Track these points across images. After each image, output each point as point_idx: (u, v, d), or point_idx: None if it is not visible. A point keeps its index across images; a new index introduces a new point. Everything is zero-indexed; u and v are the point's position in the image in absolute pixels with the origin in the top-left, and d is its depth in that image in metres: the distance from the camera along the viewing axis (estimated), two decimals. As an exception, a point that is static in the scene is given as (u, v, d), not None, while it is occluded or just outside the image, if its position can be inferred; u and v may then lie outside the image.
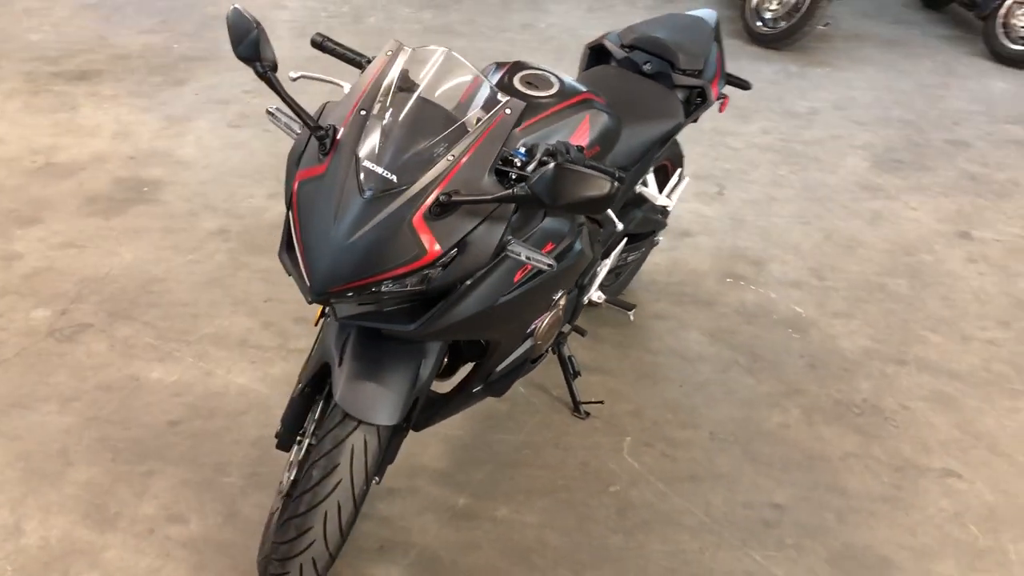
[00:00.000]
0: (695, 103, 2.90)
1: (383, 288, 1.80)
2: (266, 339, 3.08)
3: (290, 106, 1.85)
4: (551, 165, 1.66)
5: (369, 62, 2.04)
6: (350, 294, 1.79)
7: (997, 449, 2.82)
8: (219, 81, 5.16)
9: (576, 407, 2.82)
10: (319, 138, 1.85)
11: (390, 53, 1.94)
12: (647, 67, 2.88)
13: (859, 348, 3.25)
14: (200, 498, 2.44)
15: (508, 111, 1.85)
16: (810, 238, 3.96)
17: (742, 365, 3.12)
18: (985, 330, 3.40)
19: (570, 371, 2.78)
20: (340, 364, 1.91)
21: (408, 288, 1.82)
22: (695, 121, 2.97)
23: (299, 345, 3.05)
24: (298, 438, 2.13)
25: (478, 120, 1.87)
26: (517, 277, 1.96)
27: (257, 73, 1.86)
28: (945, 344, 3.30)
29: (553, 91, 2.23)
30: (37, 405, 2.73)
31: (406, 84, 1.94)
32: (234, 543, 2.32)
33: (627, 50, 2.93)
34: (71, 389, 2.80)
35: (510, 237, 1.83)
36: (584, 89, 2.30)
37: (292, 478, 2.04)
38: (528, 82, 2.24)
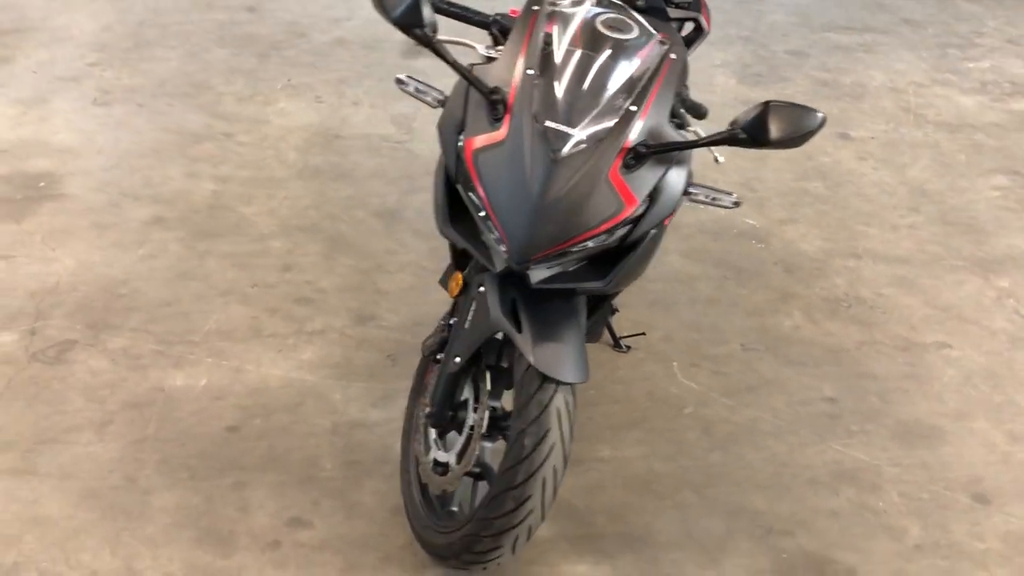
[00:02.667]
0: (691, 36, 3.00)
1: (584, 247, 1.79)
2: (279, 325, 2.90)
3: (462, 73, 1.77)
4: (761, 104, 1.71)
5: (496, 21, 1.98)
6: (550, 258, 1.77)
7: (965, 318, 3.23)
8: (52, 55, 4.59)
9: (616, 343, 2.90)
10: (493, 103, 1.78)
11: (536, 9, 1.89)
12: (640, 1, 2.93)
13: (818, 249, 3.56)
14: (308, 498, 2.31)
15: (674, 56, 1.87)
16: (724, 153, 4.22)
17: (731, 279, 3.33)
18: (904, 217, 3.83)
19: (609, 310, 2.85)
20: (520, 331, 1.88)
21: (604, 244, 1.82)
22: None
23: (315, 326, 2.91)
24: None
25: (647, 68, 1.87)
26: (666, 222, 1.99)
27: (418, 39, 1.76)
28: (881, 235, 3.69)
29: (635, 34, 2.23)
30: (69, 437, 2.43)
31: (564, 40, 1.90)
32: (371, 534, 2.23)
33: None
34: (96, 413, 2.51)
35: (692, 181, 1.87)
36: (656, 32, 2.33)
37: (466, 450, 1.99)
38: (610, 26, 2.24)
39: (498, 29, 2.09)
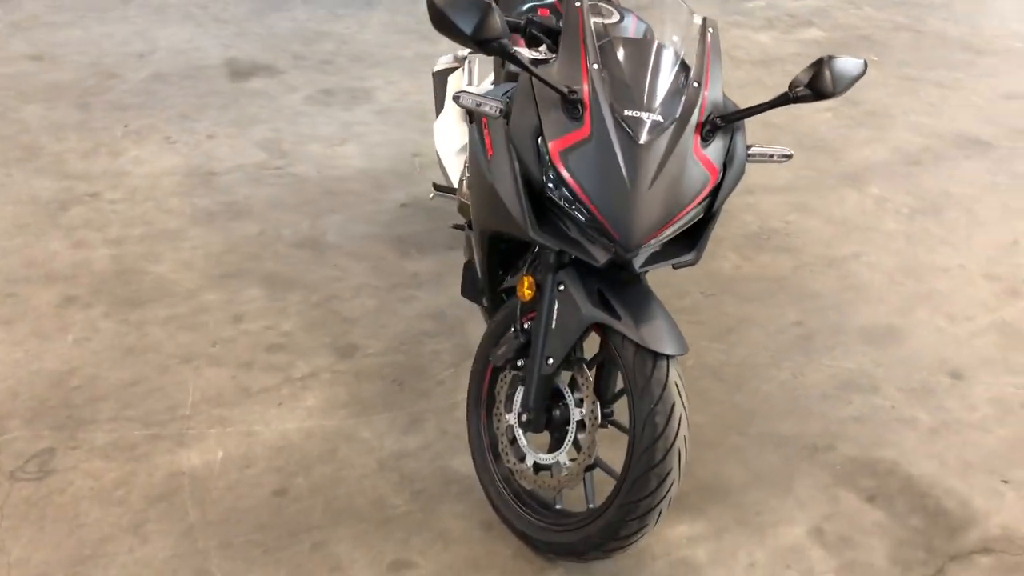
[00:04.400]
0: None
1: (681, 224, 1.87)
2: (264, 379, 2.75)
3: (539, 77, 1.78)
4: (817, 60, 1.86)
5: (532, 22, 1.99)
6: (655, 241, 1.84)
7: (862, 226, 3.62)
8: None
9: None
10: (572, 102, 1.81)
11: (579, 5, 1.92)
12: None
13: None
14: (396, 538, 2.24)
15: (711, 29, 1.97)
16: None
17: (659, 235, 3.52)
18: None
19: None
20: (619, 318, 1.93)
21: (694, 218, 1.90)
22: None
23: (302, 371, 2.78)
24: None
25: (695, 43, 1.95)
26: None
27: (497, 51, 1.75)
28: (759, 168, 4.01)
29: (676, 12, 2.23)
30: (107, 549, 2.20)
31: (612, 31, 1.95)
32: (477, 554, 2.20)
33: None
34: (123, 517, 2.28)
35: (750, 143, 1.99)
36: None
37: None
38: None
39: (537, 29, 2.09)
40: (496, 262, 2.31)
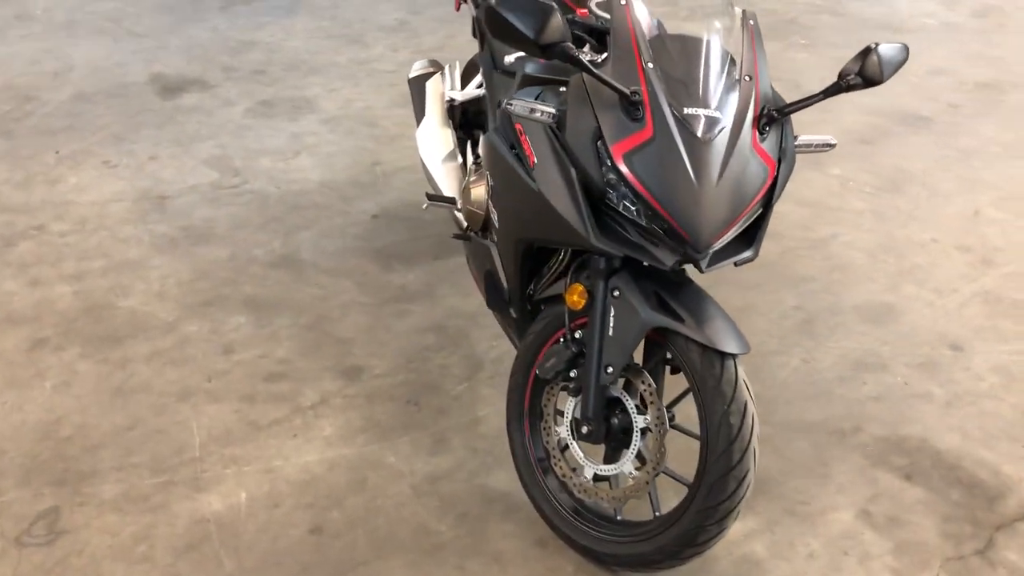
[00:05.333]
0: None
1: (746, 220, 1.84)
2: (272, 411, 2.61)
3: (604, 81, 1.72)
4: (865, 49, 1.85)
5: (573, 21, 1.92)
6: (722, 240, 1.81)
7: (833, 207, 3.68)
8: None
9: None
10: (633, 103, 1.76)
11: (624, 3, 1.86)
12: None
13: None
14: (450, 565, 2.14)
15: (752, 21, 1.94)
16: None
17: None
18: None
19: None
20: (682, 320, 1.89)
21: (756, 213, 1.88)
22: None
23: (310, 399, 2.65)
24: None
25: (739, 37, 1.92)
26: None
27: (563, 56, 1.68)
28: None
29: (717, 6, 2.17)
30: (144, 611, 2.05)
31: (658, 29, 1.90)
32: (536, 572, 2.13)
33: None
34: (152, 572, 2.13)
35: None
36: None
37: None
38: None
39: (580, 30, 2.02)
40: (527, 271, 2.24)
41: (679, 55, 1.85)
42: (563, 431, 2.11)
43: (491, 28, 1.73)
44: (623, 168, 1.76)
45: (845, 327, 2.98)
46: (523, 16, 1.67)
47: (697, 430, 1.94)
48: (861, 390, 2.70)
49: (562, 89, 2.09)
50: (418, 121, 3.09)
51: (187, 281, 3.17)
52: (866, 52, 1.85)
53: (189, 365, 2.77)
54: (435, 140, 3.00)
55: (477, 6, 2.93)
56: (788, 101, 1.92)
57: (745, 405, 1.88)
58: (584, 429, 2.02)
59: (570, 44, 1.71)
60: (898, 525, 2.25)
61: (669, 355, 2.01)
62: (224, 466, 2.41)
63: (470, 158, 2.91)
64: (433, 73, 3.12)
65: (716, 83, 1.83)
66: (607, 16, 2.04)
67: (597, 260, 1.97)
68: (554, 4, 1.68)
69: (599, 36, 1.91)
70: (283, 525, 2.24)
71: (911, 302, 3.10)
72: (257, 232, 3.47)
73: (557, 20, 1.68)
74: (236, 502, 2.30)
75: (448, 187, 2.96)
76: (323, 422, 2.56)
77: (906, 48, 1.91)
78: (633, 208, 1.80)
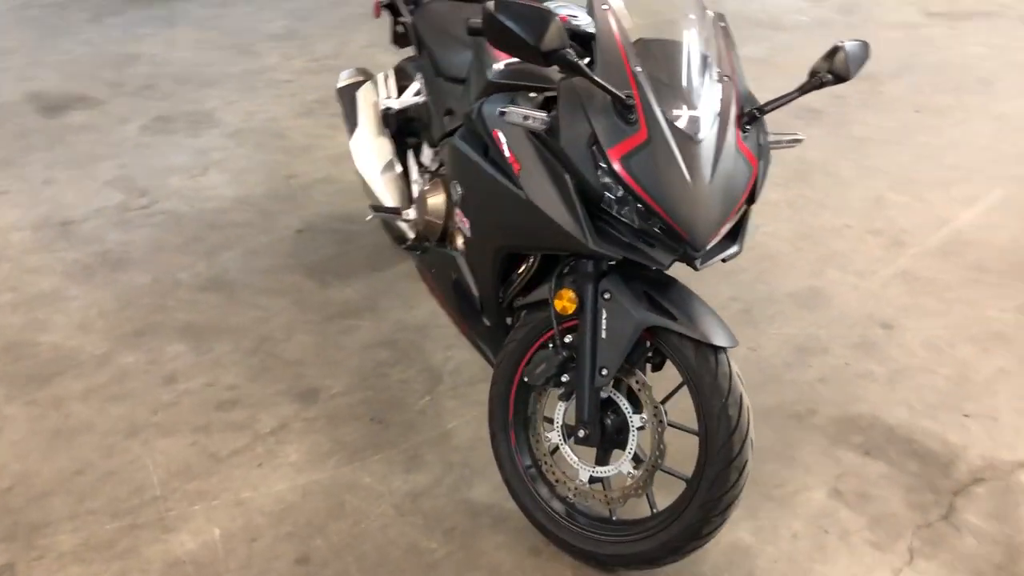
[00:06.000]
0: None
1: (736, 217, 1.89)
2: (230, 441, 2.49)
3: (598, 84, 1.73)
4: (833, 48, 1.93)
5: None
6: (717, 237, 1.85)
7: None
8: None
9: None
10: (628, 107, 1.77)
11: (606, 8, 1.87)
12: None
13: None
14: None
15: (723, 23, 1.99)
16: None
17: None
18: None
19: None
20: (676, 318, 1.92)
21: (742, 211, 1.93)
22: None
23: (268, 425, 2.55)
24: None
25: (712, 38, 1.96)
26: None
27: (564, 63, 1.68)
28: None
29: (688, 9, 2.16)
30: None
31: (643, 30, 1.92)
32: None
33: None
34: (133, 625, 2.00)
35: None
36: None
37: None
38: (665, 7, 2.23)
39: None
40: (500, 279, 2.23)
41: (661, 58, 1.88)
42: (554, 436, 2.11)
43: (490, 35, 1.70)
44: (620, 171, 1.77)
45: (783, 314, 3.09)
46: (524, 23, 1.65)
47: (686, 425, 1.98)
48: (808, 373, 2.81)
49: (532, 95, 2.09)
50: (350, 131, 3.02)
51: (112, 311, 2.99)
52: (834, 51, 1.92)
53: (131, 399, 2.61)
54: (372, 150, 2.94)
55: (412, 12, 2.89)
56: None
57: (741, 397, 1.93)
58: (581, 433, 2.02)
59: (570, 51, 1.70)
60: (867, 500, 2.35)
61: (650, 353, 2.04)
62: (190, 502, 2.29)
63: (413, 168, 2.86)
64: (363, 82, 3.06)
65: (699, 84, 1.87)
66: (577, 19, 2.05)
67: (585, 264, 1.98)
68: (551, 12, 1.67)
69: (576, 39, 1.91)
70: (266, 559, 2.15)
71: (837, 286, 3.25)
72: (178, 254, 3.31)
73: (558, 26, 1.67)
74: (210, 539, 2.19)
75: (390, 197, 2.91)
76: (287, 448, 2.47)
77: (867, 45, 2.00)
78: (628, 210, 1.81)
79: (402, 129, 3.08)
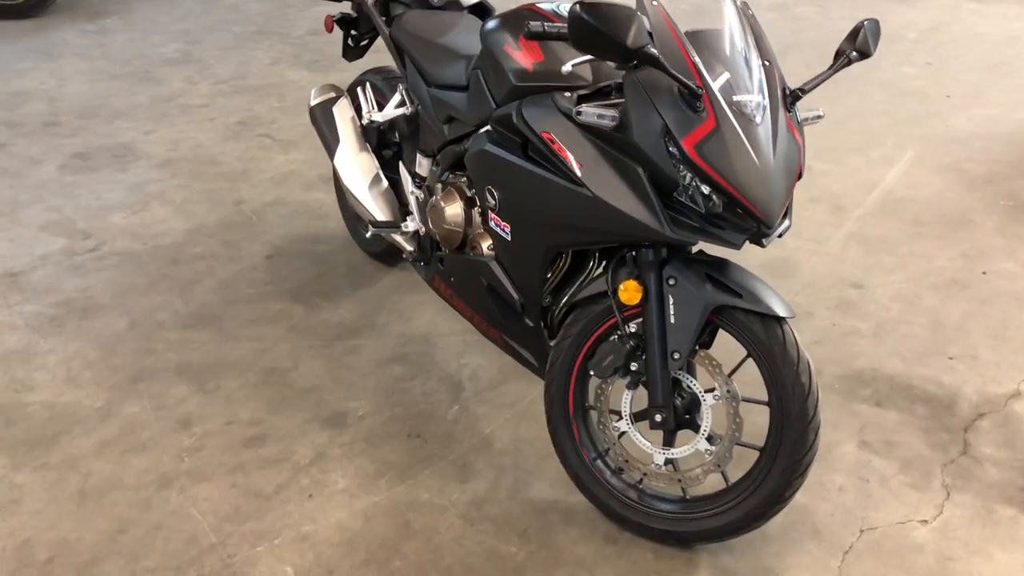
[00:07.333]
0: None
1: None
2: (272, 477, 2.42)
3: (675, 77, 1.79)
4: (857, 26, 2.06)
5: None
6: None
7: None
8: None
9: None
10: (695, 96, 1.84)
11: (656, 4, 1.93)
12: (436, 0, 2.93)
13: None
14: (539, 584, 2.14)
15: (751, 11, 2.09)
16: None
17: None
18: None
19: None
20: (741, 296, 2.02)
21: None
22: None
23: (306, 456, 2.49)
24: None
25: (745, 23, 2.05)
26: None
27: (648, 59, 1.73)
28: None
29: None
30: None
31: (687, 27, 1.99)
32: (623, 566, 2.17)
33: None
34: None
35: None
36: None
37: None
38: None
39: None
40: (545, 278, 2.26)
41: (711, 48, 1.96)
42: (623, 425, 2.16)
43: (575, 36, 1.73)
44: (696, 159, 1.84)
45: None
46: (612, 23, 1.69)
47: (754, 396, 2.08)
48: (803, 337, 2.97)
49: (567, 94, 2.12)
50: (330, 149, 2.97)
51: (96, 360, 2.83)
52: (857, 30, 2.06)
53: (151, 449, 2.49)
54: (357, 166, 2.91)
55: (388, 25, 2.87)
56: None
57: (808, 364, 2.03)
58: (658, 417, 2.08)
59: (654, 47, 1.76)
60: (893, 447, 2.52)
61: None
62: (251, 545, 2.21)
63: (407, 179, 2.84)
64: (335, 98, 3.01)
65: (749, 70, 1.96)
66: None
67: (646, 253, 2.04)
68: (639, 7, 1.72)
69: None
70: (345, 589, 2.10)
71: (800, 254, 3.44)
72: (148, 294, 3.16)
73: (642, 23, 1.72)
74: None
75: (381, 211, 2.88)
76: (332, 475, 2.42)
77: (878, 22, 2.15)
78: (701, 197, 1.89)
79: (380, 142, 3.05)
